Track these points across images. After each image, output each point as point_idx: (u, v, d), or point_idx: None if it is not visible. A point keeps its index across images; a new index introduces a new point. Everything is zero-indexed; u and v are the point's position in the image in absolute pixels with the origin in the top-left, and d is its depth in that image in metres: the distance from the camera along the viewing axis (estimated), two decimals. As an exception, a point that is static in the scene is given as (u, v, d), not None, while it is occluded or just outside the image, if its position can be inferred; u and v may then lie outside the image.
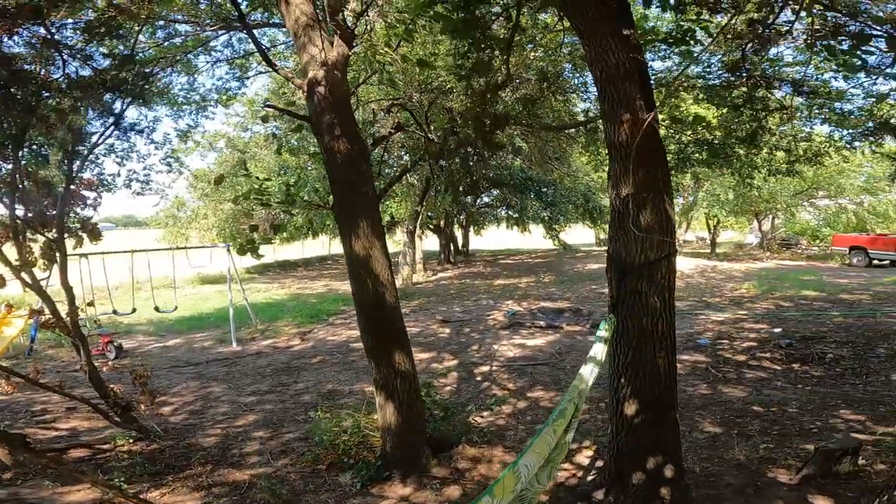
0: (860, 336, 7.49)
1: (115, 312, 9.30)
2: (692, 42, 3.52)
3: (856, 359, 6.46)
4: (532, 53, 7.66)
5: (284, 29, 9.07)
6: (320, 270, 23.71)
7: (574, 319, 10.07)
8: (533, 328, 9.56)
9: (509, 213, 23.51)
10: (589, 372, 2.80)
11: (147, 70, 4.84)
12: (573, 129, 10.93)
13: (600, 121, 11.77)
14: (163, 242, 19.24)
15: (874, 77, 6.19)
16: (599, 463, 3.96)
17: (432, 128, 10.14)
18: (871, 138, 7.24)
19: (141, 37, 5.77)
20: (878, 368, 6.05)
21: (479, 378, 6.65)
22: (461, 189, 15.36)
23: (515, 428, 4.87)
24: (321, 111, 3.45)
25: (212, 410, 5.71)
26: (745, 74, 4.47)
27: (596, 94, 10.25)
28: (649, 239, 2.91)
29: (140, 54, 6.15)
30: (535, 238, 26.07)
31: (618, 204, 3.02)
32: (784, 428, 4.44)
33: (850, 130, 6.97)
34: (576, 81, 9.48)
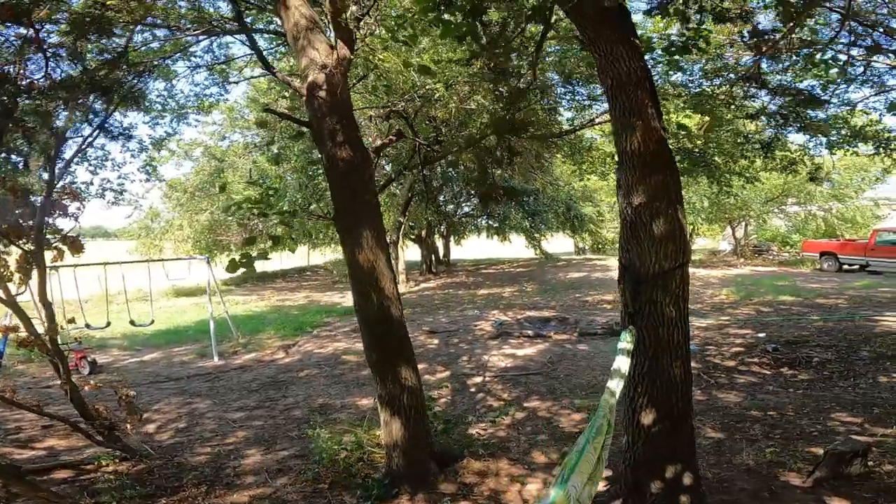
0: (842, 339, 7.68)
1: (88, 326, 8.88)
2: (694, 51, 3.56)
3: (841, 362, 6.60)
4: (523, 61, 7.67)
5: (267, 35, 8.90)
6: (300, 282, 23.27)
7: (561, 328, 10.08)
8: (521, 338, 9.52)
9: (490, 222, 23.57)
10: (616, 385, 2.76)
11: (140, 70, 4.62)
12: (557, 139, 11.02)
13: (584, 130, 12.00)
14: (135, 254, 18.59)
15: (850, 86, 6.42)
16: (607, 472, 3.90)
17: (421, 136, 10.08)
18: (847, 146, 7.49)
19: (117, 40, 5.55)
20: (864, 371, 6.19)
21: (472, 389, 6.54)
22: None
23: (517, 439, 4.77)
24: (322, 116, 3.34)
25: (198, 427, 5.45)
26: (758, 83, 4.55)
27: (580, 103, 10.44)
28: (663, 248, 2.90)
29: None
30: (515, 247, 26.19)
31: (630, 213, 2.99)
32: (785, 431, 4.47)
33: (829, 137, 7.21)
34: (561, 90, 9.57)
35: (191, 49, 8.16)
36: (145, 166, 10.35)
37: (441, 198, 20.87)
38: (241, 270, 3.38)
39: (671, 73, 6.42)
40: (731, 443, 4.32)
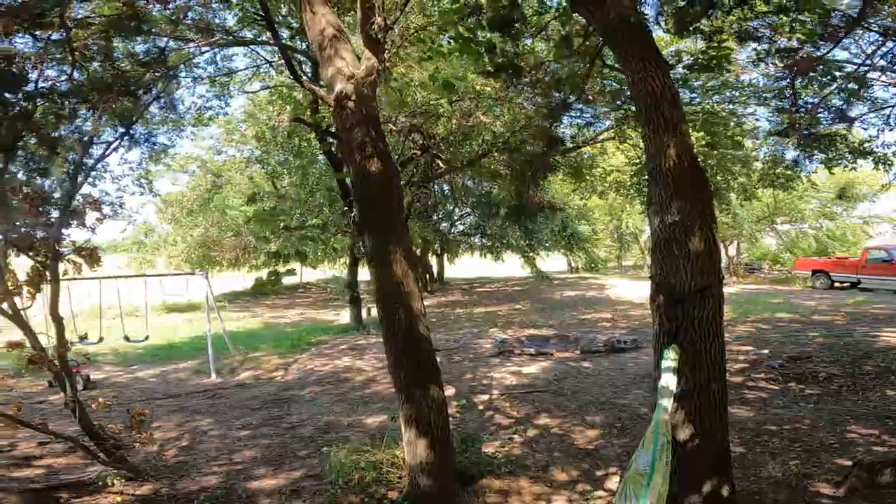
0: (844, 354, 7.72)
1: (82, 340, 8.63)
2: (717, 69, 3.62)
3: (847, 376, 6.62)
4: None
5: (268, 48, 8.92)
6: (293, 299, 22.97)
7: (562, 346, 10.03)
8: (523, 355, 9.45)
9: (484, 241, 23.57)
10: (667, 402, 2.73)
11: (172, 73, 4.55)
12: (557, 157, 11.11)
13: (585, 148, 12.12)
14: (126, 269, 18.26)
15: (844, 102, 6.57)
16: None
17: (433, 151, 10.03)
18: (845, 162, 7.64)
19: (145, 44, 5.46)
20: (871, 385, 6.21)
21: (481, 407, 6.44)
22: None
23: (533, 457, 4.68)
24: (350, 128, 3.30)
25: (203, 446, 5.27)
26: (791, 102, 4.63)
27: (582, 119, 10.56)
28: (698, 265, 2.91)
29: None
30: (508, 266, 26.19)
31: (662, 230, 3.00)
32: (805, 444, 4.46)
33: (829, 155, 7.35)
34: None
35: (194, 60, 8.15)
36: (139, 179, 10.22)
37: (435, 216, 20.88)
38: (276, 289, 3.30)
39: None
40: (753, 456, 4.30)
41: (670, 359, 2.88)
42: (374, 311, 17.87)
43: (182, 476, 4.39)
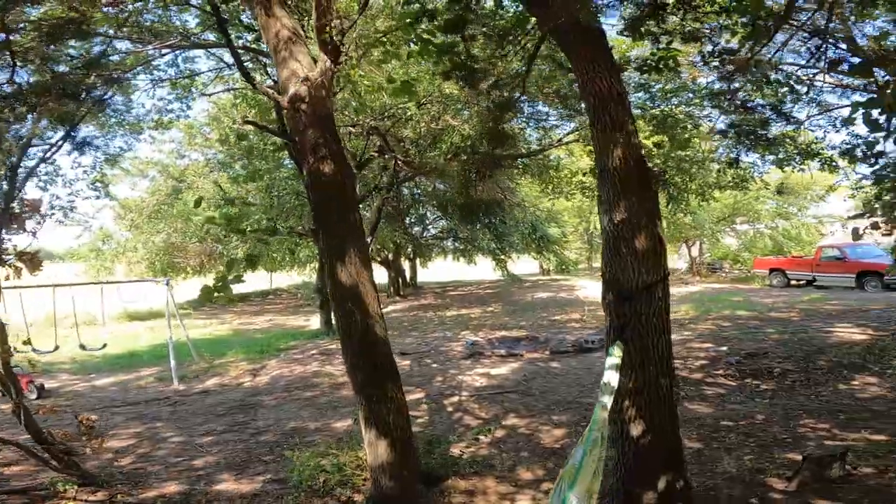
0: (799, 350, 8.03)
1: (34, 350, 8.27)
2: (665, 70, 3.73)
3: (800, 371, 6.89)
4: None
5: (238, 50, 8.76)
6: (262, 305, 22.55)
7: (532, 346, 10.14)
8: (493, 357, 9.50)
9: (456, 244, 23.65)
10: (608, 399, 2.77)
11: (115, 76, 4.41)
12: (526, 159, 11.27)
13: (551, 150, 12.33)
14: (83, 277, 17.55)
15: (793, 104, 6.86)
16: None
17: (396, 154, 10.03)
18: (794, 163, 7.98)
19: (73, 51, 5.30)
20: (824, 379, 6.48)
21: (450, 409, 6.45)
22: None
23: (500, 457, 4.71)
24: (304, 129, 3.27)
25: (162, 452, 5.14)
26: (728, 100, 4.81)
27: (548, 122, 10.74)
28: (645, 262, 2.98)
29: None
30: (480, 269, 26.34)
31: (611, 229, 3.07)
32: (759, 439, 4.60)
33: (779, 156, 7.66)
34: (528, 110, 9.84)
35: (153, 63, 7.94)
36: (94, 183, 9.86)
37: (408, 220, 20.84)
38: (230, 300, 3.23)
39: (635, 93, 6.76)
40: (710, 452, 4.41)
41: (615, 355, 2.93)
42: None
43: (139, 482, 4.28)
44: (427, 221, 22.77)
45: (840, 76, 6.23)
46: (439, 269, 31.96)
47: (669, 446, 3.03)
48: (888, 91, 2.39)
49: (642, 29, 3.58)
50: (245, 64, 8.61)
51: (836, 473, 3.50)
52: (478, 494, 3.90)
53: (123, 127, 8.83)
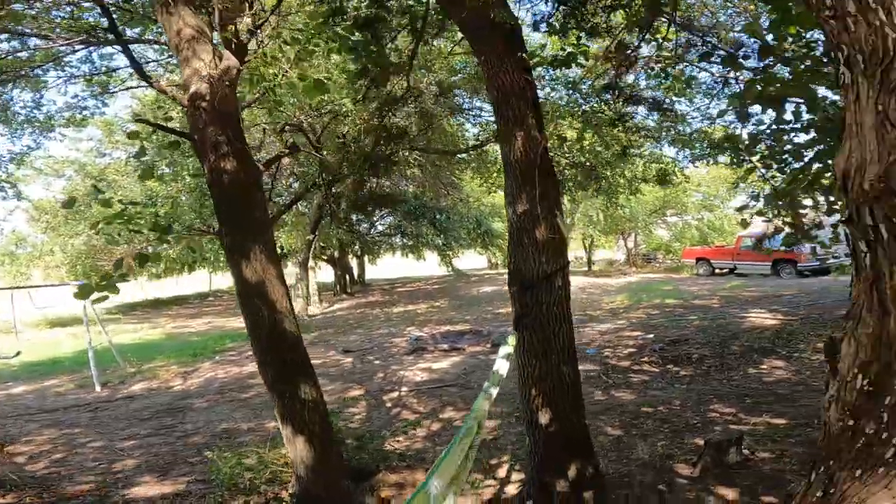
0: (715, 336, 8.62)
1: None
2: (575, 65, 3.89)
3: (716, 357, 7.37)
4: (425, 79, 7.90)
5: (157, 46, 8.34)
6: (200, 307, 21.59)
7: (475, 340, 10.31)
8: (436, 352, 9.60)
9: (405, 240, 23.60)
10: (495, 391, 2.86)
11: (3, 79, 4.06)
12: (465, 154, 11.40)
13: (489, 144, 12.52)
14: (-4, 284, 16.18)
15: (709, 100, 7.34)
16: (518, 476, 4.04)
17: (324, 152, 9.91)
18: (708, 158, 8.52)
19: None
20: (736, 364, 6.96)
21: (389, 404, 6.48)
22: (348, 207, 15.00)
23: (433, 450, 4.79)
24: (203, 127, 3.19)
25: (78, 458, 4.93)
26: (616, 93, 5.06)
27: (486, 118, 10.91)
28: (545, 252, 3.09)
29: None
30: (430, 265, 26.43)
31: (515, 220, 3.16)
32: (673, 425, 4.87)
33: (692, 150, 8.16)
34: (466, 106, 9.96)
35: (65, 59, 7.44)
36: (0, 183, 9.12)
37: (354, 217, 20.57)
38: (114, 292, 3.09)
39: (560, 89, 7.00)
40: (628, 439, 4.61)
41: (509, 344, 3.04)
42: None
43: (51, 486, 4.13)
44: (375, 218, 22.55)
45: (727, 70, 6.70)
46: (389, 266, 31.81)
47: (576, 434, 3.16)
48: (749, 84, 2.61)
49: (551, 23, 3.71)
50: (171, 59, 8.23)
51: (733, 459, 3.64)
52: (407, 487, 3.95)
53: (32, 124, 8.17)
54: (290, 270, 18.63)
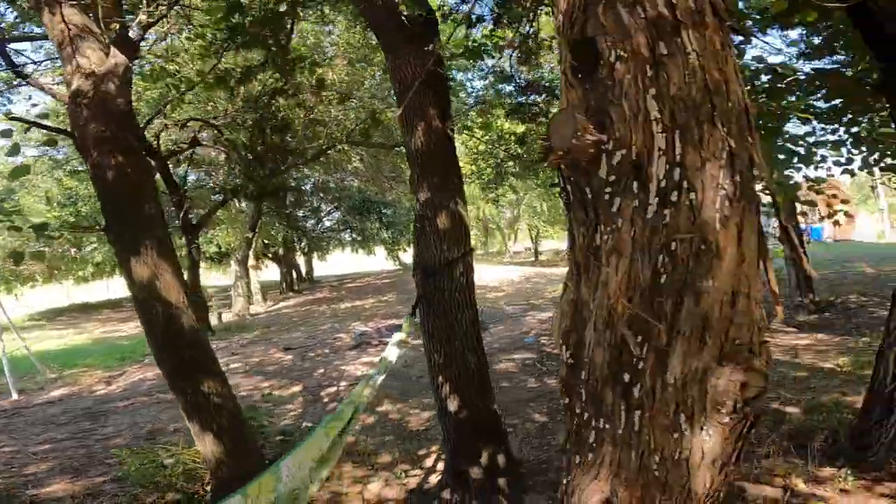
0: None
1: None
2: (486, 55, 3.99)
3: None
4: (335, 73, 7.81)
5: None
6: (132, 311, 20.49)
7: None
8: (380, 345, 9.59)
9: (354, 236, 23.28)
10: (380, 378, 2.89)
11: None
12: (402, 146, 11.39)
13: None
14: None
15: None
16: (442, 465, 4.12)
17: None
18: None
19: None
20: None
21: (326, 399, 6.44)
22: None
23: (364, 442, 4.81)
24: (85, 124, 3.06)
25: None
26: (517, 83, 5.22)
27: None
28: (446, 239, 3.15)
29: None
30: (380, 260, 26.25)
31: (418, 208, 3.23)
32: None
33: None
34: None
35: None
36: None
37: (300, 212, 20.10)
38: None
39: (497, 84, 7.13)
40: (553, 425, 4.74)
41: (404, 330, 3.10)
42: (226, 317, 16.49)
43: None
44: (322, 214, 22.13)
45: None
46: (339, 262, 31.34)
47: (484, 420, 3.23)
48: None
49: (458, 15, 3.79)
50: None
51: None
52: (332, 479, 3.96)
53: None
54: (231, 269, 18.01)
